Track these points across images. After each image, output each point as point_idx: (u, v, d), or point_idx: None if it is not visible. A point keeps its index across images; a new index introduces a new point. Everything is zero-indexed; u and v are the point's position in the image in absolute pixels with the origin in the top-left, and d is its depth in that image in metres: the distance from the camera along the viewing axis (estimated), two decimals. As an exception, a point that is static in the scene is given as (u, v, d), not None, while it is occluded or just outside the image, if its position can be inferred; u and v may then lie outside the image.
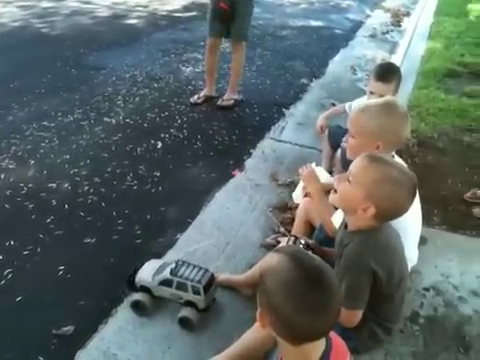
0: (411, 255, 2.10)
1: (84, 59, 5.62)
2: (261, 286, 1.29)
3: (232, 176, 3.34)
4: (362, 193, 1.65)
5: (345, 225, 1.83)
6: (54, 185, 3.24)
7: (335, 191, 1.78)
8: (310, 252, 1.93)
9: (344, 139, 2.22)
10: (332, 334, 1.37)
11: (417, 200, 1.98)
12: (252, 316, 2.00)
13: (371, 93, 2.82)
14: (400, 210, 1.70)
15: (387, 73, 2.86)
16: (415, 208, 1.96)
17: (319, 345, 1.30)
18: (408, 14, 8.57)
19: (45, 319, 2.23)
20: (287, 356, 1.34)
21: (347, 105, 3.28)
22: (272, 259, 1.30)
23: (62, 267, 2.55)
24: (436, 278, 2.43)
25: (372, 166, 1.68)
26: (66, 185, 3.25)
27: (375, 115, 2.05)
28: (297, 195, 2.74)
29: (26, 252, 2.65)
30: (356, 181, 1.68)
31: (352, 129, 2.11)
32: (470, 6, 8.48)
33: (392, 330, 1.92)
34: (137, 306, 2.22)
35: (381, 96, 2.73)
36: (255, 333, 1.88)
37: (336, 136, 3.10)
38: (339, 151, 2.98)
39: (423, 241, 2.48)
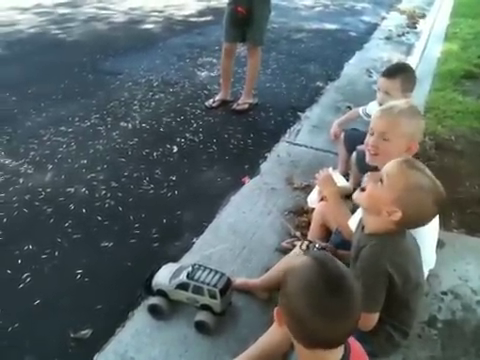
0: (429, 258, 2.08)
1: (100, 64, 5.68)
2: (282, 286, 1.30)
3: (242, 184, 3.32)
4: (392, 196, 1.64)
5: (362, 227, 1.82)
6: (72, 190, 3.28)
7: (362, 190, 1.77)
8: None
9: (365, 142, 2.19)
10: (350, 339, 1.36)
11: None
12: (268, 320, 2.02)
13: (378, 89, 2.85)
14: (422, 220, 1.71)
15: (392, 69, 2.88)
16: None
17: (337, 351, 1.29)
18: (424, 16, 8.52)
19: (63, 323, 2.25)
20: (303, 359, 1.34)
21: (361, 109, 3.26)
22: (297, 261, 1.32)
23: (80, 271, 2.57)
24: (454, 282, 2.40)
25: (409, 172, 1.67)
26: (83, 189, 3.28)
27: (411, 117, 2.08)
28: (312, 199, 2.74)
29: (44, 256, 2.68)
30: (389, 183, 1.67)
31: (389, 132, 2.07)
32: (487, 7, 8.41)
33: (409, 334, 1.91)
34: (154, 310, 2.23)
35: (386, 93, 2.76)
36: (272, 336, 1.88)
37: (352, 139, 3.09)
38: (354, 154, 2.97)
39: (441, 245, 2.46)
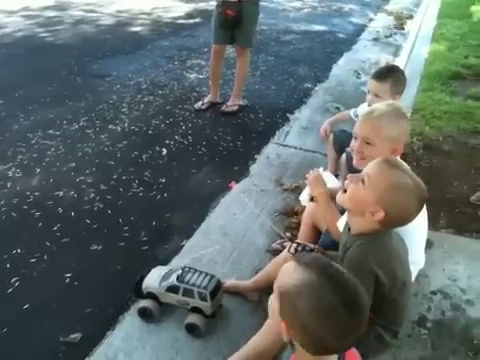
0: (418, 259, 2.09)
1: (89, 67, 5.65)
2: (288, 303, 1.27)
3: (230, 188, 3.30)
4: (374, 196, 1.65)
5: (349, 228, 1.83)
6: (60, 193, 3.26)
7: (344, 191, 1.78)
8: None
9: (350, 146, 2.20)
10: None
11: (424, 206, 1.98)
12: (259, 321, 2.03)
13: (368, 92, 2.85)
14: (406, 219, 1.71)
15: (382, 72, 2.89)
16: (422, 213, 1.96)
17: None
18: (411, 17, 8.58)
19: (52, 327, 2.24)
20: None
21: (352, 111, 3.28)
22: (298, 274, 1.28)
23: (69, 274, 2.56)
24: (443, 282, 2.42)
25: (390, 171, 1.67)
26: (72, 193, 3.26)
27: (393, 120, 2.06)
28: (304, 197, 2.74)
29: (33, 260, 2.66)
30: (371, 184, 1.67)
31: (372, 137, 2.07)
32: (473, 8, 8.48)
33: (398, 334, 1.91)
34: (144, 313, 2.22)
35: (376, 95, 2.76)
36: (262, 337, 1.88)
37: (341, 140, 3.10)
38: (344, 155, 2.98)
39: (430, 245, 2.47)
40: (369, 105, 2.76)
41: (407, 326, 2.07)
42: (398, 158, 2.10)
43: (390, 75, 2.83)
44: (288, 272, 1.32)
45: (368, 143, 2.08)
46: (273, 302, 1.45)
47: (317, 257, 1.39)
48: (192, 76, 5.53)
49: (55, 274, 2.56)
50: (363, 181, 1.70)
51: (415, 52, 6.46)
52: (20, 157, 3.68)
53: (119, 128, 4.21)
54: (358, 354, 1.42)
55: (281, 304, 1.30)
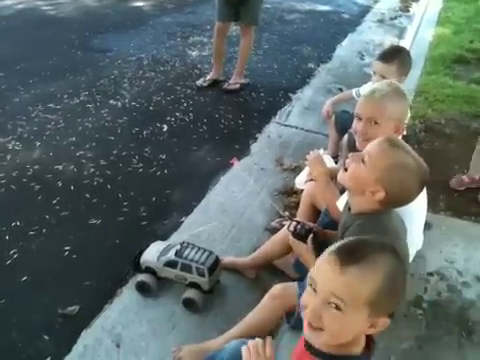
0: (416, 239, 2.09)
1: (90, 42, 5.59)
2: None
3: (231, 165, 3.29)
4: (375, 175, 1.64)
5: (349, 207, 1.82)
6: (60, 167, 3.25)
7: (345, 170, 1.77)
8: (312, 235, 1.95)
9: (353, 127, 2.18)
10: None
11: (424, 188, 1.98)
12: (256, 298, 2.05)
13: (374, 73, 2.83)
14: (406, 199, 1.70)
15: (388, 53, 2.85)
16: (421, 193, 1.96)
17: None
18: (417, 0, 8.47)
19: (50, 299, 2.25)
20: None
21: (354, 91, 3.25)
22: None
23: (68, 248, 2.56)
24: (440, 263, 2.43)
25: (391, 150, 1.66)
26: (72, 167, 3.26)
27: (395, 99, 2.05)
28: (300, 180, 2.74)
29: (32, 233, 2.66)
30: (371, 163, 1.66)
31: (377, 117, 2.05)
32: (481, -8, 8.37)
33: (394, 313, 1.92)
34: (142, 287, 2.24)
35: (382, 77, 2.72)
36: (259, 313, 1.89)
37: (343, 121, 3.08)
38: (346, 136, 2.96)
39: (428, 226, 2.48)
40: None
41: (403, 306, 2.09)
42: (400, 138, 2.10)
43: (397, 56, 2.80)
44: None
45: (374, 123, 2.07)
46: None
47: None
48: (194, 53, 5.47)
49: (54, 247, 2.57)
50: (364, 160, 1.69)
51: (420, 35, 6.40)
52: (20, 130, 3.66)
53: (120, 103, 4.18)
54: None
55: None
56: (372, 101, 2.09)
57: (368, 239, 1.26)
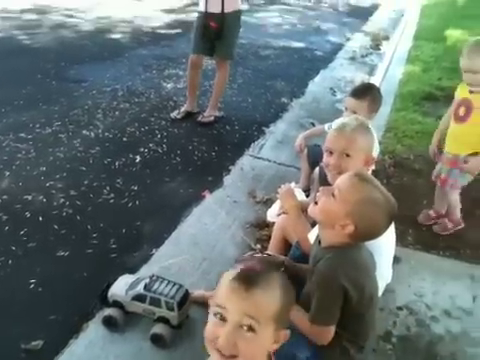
0: (385, 273, 2.11)
1: (65, 72, 5.60)
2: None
3: (203, 197, 3.29)
4: (345, 209, 1.67)
5: (319, 241, 1.84)
6: (29, 197, 3.19)
7: (315, 203, 1.79)
8: (283, 269, 1.96)
9: (324, 162, 2.22)
10: None
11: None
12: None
13: (346, 109, 2.90)
14: (375, 233, 1.73)
15: (360, 90, 2.95)
16: (390, 227, 1.98)
17: None
18: (387, 38, 8.74)
19: (14, 332, 2.18)
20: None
21: (327, 126, 3.31)
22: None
23: (34, 280, 2.50)
24: (409, 297, 2.45)
25: (360, 185, 1.69)
26: (41, 197, 3.21)
27: (364, 132, 2.13)
28: (272, 213, 2.75)
29: (-3, 264, 2.60)
30: (341, 197, 1.69)
31: (349, 149, 2.09)
32: (448, 31, 8.68)
33: (364, 348, 1.92)
34: (109, 321, 2.19)
35: (354, 112, 2.79)
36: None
37: (315, 155, 3.12)
38: (317, 169, 3.00)
39: (397, 260, 2.50)
40: None
41: (372, 340, 2.09)
42: (369, 173, 2.14)
43: (368, 93, 2.89)
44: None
45: (346, 155, 2.11)
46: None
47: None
48: (169, 85, 5.52)
49: (19, 279, 2.51)
50: (334, 194, 1.72)
51: (390, 72, 6.58)
52: (-11, 159, 3.60)
53: (93, 134, 4.16)
54: None
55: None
56: (343, 134, 2.13)
57: (252, 259, 1.37)
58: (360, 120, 2.20)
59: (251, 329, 1.20)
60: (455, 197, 3.01)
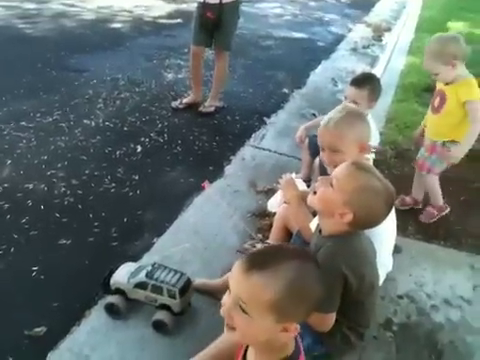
0: (386, 261, 2.12)
1: (66, 61, 5.58)
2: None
3: (202, 188, 3.29)
4: (343, 198, 1.67)
5: (320, 230, 1.84)
6: (30, 186, 3.20)
7: (314, 193, 1.79)
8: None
9: (320, 156, 2.22)
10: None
11: (392, 209, 2.02)
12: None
13: (345, 98, 2.93)
14: (375, 221, 1.74)
15: (360, 80, 2.96)
16: (390, 216, 1.99)
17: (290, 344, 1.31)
18: (389, 29, 8.71)
19: (17, 319, 2.19)
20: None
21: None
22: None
23: (36, 268, 2.51)
24: (410, 286, 2.46)
25: (357, 173, 1.70)
26: (42, 186, 3.21)
27: (350, 122, 2.10)
28: (272, 203, 2.76)
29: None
30: (339, 186, 1.70)
31: (337, 145, 2.09)
32: (450, 23, 8.66)
33: (364, 335, 1.94)
34: (111, 309, 2.20)
35: (354, 102, 2.81)
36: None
37: (315, 145, 3.10)
38: (317, 159, 3.01)
39: (398, 250, 2.52)
40: None
41: (373, 328, 2.10)
42: (370, 161, 2.14)
43: (368, 82, 2.90)
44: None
45: (335, 151, 2.11)
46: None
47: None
48: (170, 75, 5.50)
49: (22, 267, 2.52)
50: (332, 183, 1.72)
51: (392, 64, 6.57)
52: (-10, 148, 3.60)
53: (93, 123, 4.16)
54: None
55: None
56: (327, 131, 2.13)
57: (283, 246, 1.33)
58: (346, 110, 2.16)
59: (244, 311, 1.21)
60: (434, 183, 3.04)
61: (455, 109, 2.77)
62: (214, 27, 4.23)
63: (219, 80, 4.66)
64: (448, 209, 3.11)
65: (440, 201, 3.08)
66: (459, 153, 2.82)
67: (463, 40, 2.74)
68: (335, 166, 2.10)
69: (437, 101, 2.87)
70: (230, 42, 4.45)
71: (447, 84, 2.80)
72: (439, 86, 2.90)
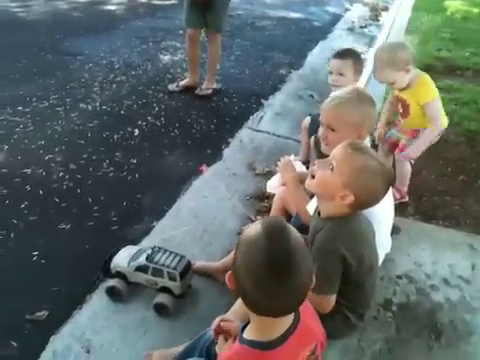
0: (384, 241, 2.13)
1: (60, 45, 5.52)
2: (235, 251, 1.25)
3: (200, 172, 3.30)
4: (342, 180, 1.67)
5: (319, 212, 1.85)
6: (28, 171, 3.19)
7: (312, 177, 1.79)
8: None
9: (318, 132, 2.21)
10: (307, 313, 1.37)
11: (390, 190, 2.02)
12: (228, 302, 2.03)
13: (331, 73, 2.94)
14: (374, 201, 1.74)
15: (342, 51, 3.03)
16: (388, 196, 1.99)
17: (286, 319, 1.29)
18: (386, 9, 8.63)
19: (19, 304, 2.21)
20: (252, 322, 1.33)
21: None
22: (252, 229, 1.26)
23: (36, 253, 2.52)
24: (409, 266, 2.48)
25: (355, 154, 1.69)
26: (40, 171, 3.20)
27: (356, 105, 2.05)
28: (271, 185, 2.76)
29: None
30: (338, 168, 1.69)
31: (334, 123, 2.08)
32: (447, 2, 8.59)
33: (364, 316, 1.95)
34: (112, 292, 2.21)
35: (340, 74, 2.86)
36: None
37: (315, 124, 3.11)
38: (312, 139, 2.99)
39: (397, 230, 2.53)
40: (333, 86, 2.86)
41: (373, 309, 2.12)
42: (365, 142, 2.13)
43: (350, 53, 3.00)
44: (251, 226, 1.30)
45: (332, 129, 2.10)
46: None
47: (279, 220, 1.31)
48: (166, 57, 5.46)
49: (22, 252, 2.52)
50: (330, 166, 1.72)
51: (389, 43, 6.52)
52: (-13, 133, 3.58)
53: (90, 107, 4.14)
54: (317, 328, 1.44)
55: (233, 258, 1.27)
56: (328, 108, 2.12)
57: None
58: (355, 92, 2.11)
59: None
60: (407, 168, 3.03)
61: (420, 110, 2.80)
62: (205, 7, 4.17)
63: (213, 62, 4.61)
64: (406, 199, 3.07)
65: (406, 187, 3.05)
66: (415, 152, 2.87)
67: (408, 44, 2.85)
68: (327, 144, 2.11)
69: (400, 108, 2.92)
70: (221, 24, 4.39)
71: (403, 89, 2.81)
72: (396, 93, 2.92)
